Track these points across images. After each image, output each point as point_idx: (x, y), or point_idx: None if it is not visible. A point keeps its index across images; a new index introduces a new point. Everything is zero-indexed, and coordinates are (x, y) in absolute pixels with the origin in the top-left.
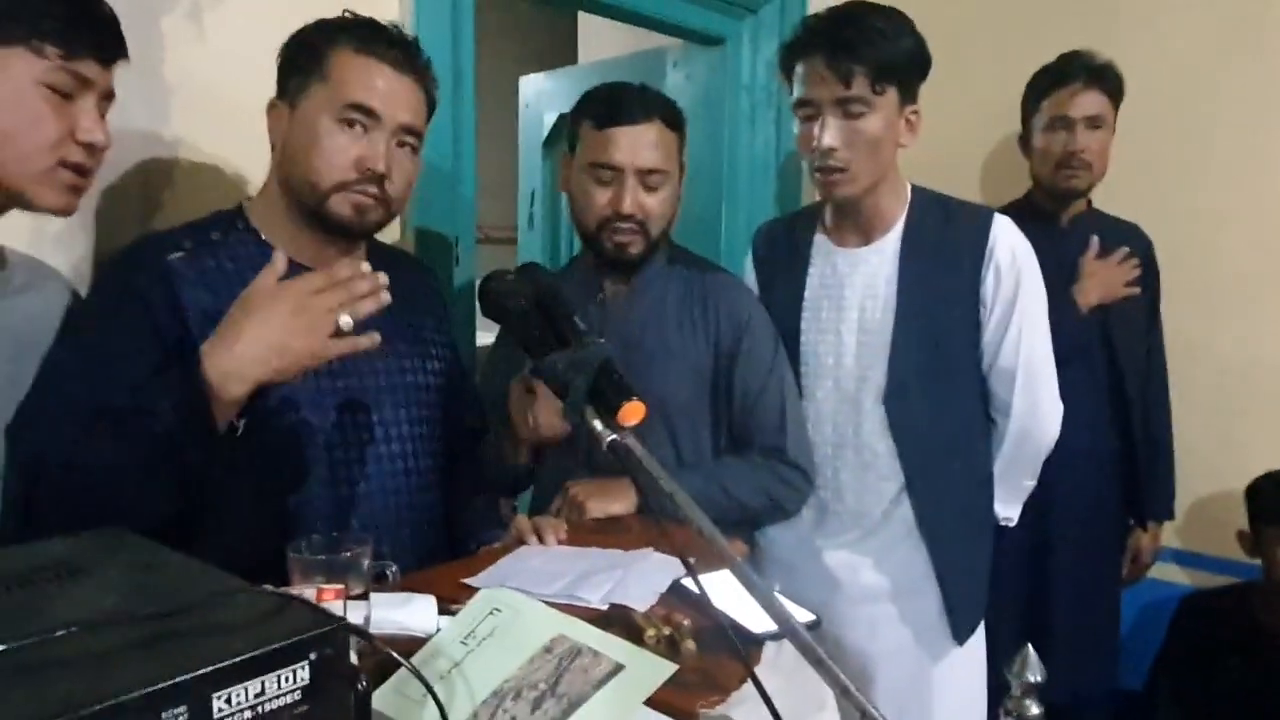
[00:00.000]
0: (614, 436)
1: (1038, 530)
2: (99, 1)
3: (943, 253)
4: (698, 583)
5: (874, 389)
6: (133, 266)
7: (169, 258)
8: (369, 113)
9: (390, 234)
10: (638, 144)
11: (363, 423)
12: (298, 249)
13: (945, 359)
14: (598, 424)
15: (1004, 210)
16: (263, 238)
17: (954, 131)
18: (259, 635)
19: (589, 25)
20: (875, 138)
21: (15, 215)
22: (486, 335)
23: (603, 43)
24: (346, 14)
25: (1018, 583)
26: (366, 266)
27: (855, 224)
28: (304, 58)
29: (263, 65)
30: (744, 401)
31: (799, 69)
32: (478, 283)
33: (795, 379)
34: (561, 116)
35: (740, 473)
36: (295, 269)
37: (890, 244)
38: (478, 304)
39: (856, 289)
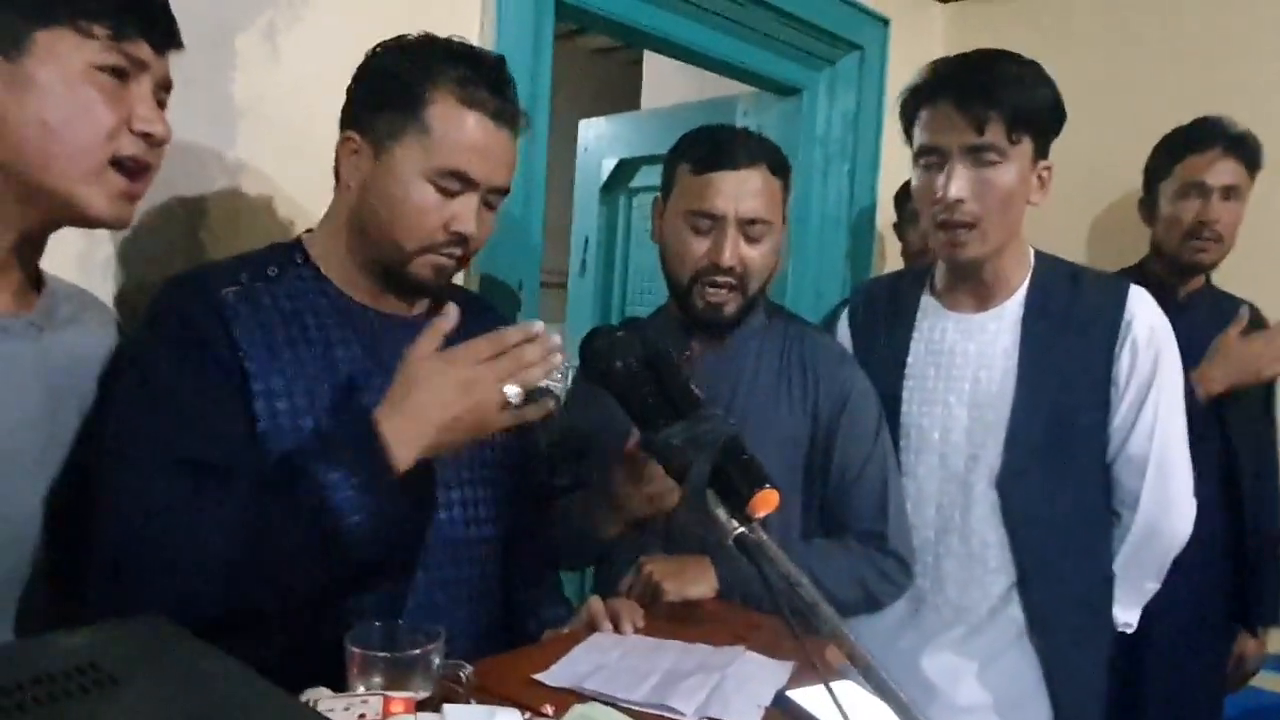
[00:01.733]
0: (741, 529)
1: (1131, 639)
2: None
3: (1071, 324)
4: (840, 707)
5: (987, 470)
6: (185, 302)
7: (222, 292)
8: (467, 180)
9: (456, 276)
10: (740, 191)
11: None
12: (357, 289)
13: (1069, 442)
14: (722, 513)
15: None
16: (322, 273)
17: (1058, 191)
18: None
19: (654, 70)
20: (1008, 191)
21: (65, 239)
22: None
23: (668, 88)
24: (434, 37)
25: (1110, 684)
26: (539, 326)
27: (972, 287)
28: (397, 95)
29: (337, 92)
30: (841, 480)
31: (924, 114)
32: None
33: (894, 453)
34: (621, 162)
35: (833, 560)
36: (355, 307)
37: (1011, 311)
38: (578, 363)
39: (970, 357)
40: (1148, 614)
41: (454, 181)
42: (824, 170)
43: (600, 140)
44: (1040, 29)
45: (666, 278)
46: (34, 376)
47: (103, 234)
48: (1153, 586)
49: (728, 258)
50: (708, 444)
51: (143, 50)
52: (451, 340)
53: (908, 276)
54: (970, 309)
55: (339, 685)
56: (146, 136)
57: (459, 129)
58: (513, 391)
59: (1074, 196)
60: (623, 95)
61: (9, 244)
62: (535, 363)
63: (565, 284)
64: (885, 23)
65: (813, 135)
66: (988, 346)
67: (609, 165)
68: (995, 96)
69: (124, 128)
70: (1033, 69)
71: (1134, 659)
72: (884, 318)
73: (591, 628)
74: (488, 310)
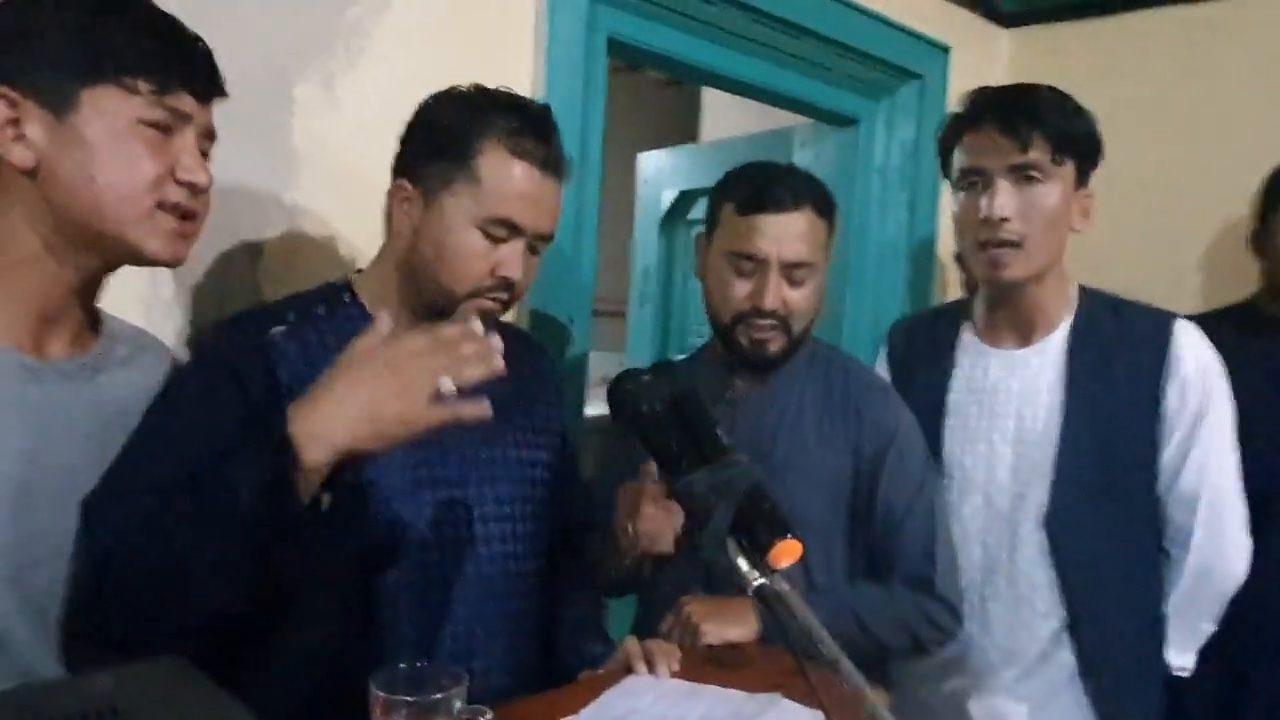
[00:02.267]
0: (762, 580)
1: (1231, 686)
2: (190, 35)
3: (1117, 359)
4: None
5: (1033, 510)
6: (231, 341)
7: (270, 332)
8: (514, 228)
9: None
10: (785, 234)
11: (460, 518)
12: (403, 328)
13: (1117, 479)
14: (742, 562)
15: (1223, 314)
16: (369, 312)
17: (1168, 224)
18: None
19: (713, 102)
20: (1052, 211)
21: (128, 281)
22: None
23: (727, 120)
24: (483, 88)
25: None
26: (477, 326)
27: (1013, 321)
28: (448, 146)
29: (393, 136)
30: (887, 522)
31: (966, 140)
32: (580, 367)
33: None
34: (681, 194)
35: (879, 604)
36: None
37: (1054, 346)
38: (607, 406)
39: (1013, 395)
40: (1247, 672)
41: (501, 229)
42: (882, 200)
43: (660, 172)
44: (1111, 53)
45: (709, 316)
46: (87, 418)
47: (165, 275)
48: (1208, 628)
49: (770, 301)
50: (731, 490)
51: (185, 103)
52: (500, 378)
53: (946, 312)
54: (1012, 345)
55: None
56: (190, 185)
57: (508, 179)
58: (446, 384)
59: (1162, 225)
60: (684, 126)
61: (67, 289)
62: (471, 359)
63: (625, 313)
64: (945, 51)
65: (871, 165)
66: (1031, 383)
67: (669, 197)
68: (1038, 118)
69: (169, 177)
70: (1071, 100)
71: (1236, 704)
72: (923, 355)
73: (627, 669)
74: (536, 348)
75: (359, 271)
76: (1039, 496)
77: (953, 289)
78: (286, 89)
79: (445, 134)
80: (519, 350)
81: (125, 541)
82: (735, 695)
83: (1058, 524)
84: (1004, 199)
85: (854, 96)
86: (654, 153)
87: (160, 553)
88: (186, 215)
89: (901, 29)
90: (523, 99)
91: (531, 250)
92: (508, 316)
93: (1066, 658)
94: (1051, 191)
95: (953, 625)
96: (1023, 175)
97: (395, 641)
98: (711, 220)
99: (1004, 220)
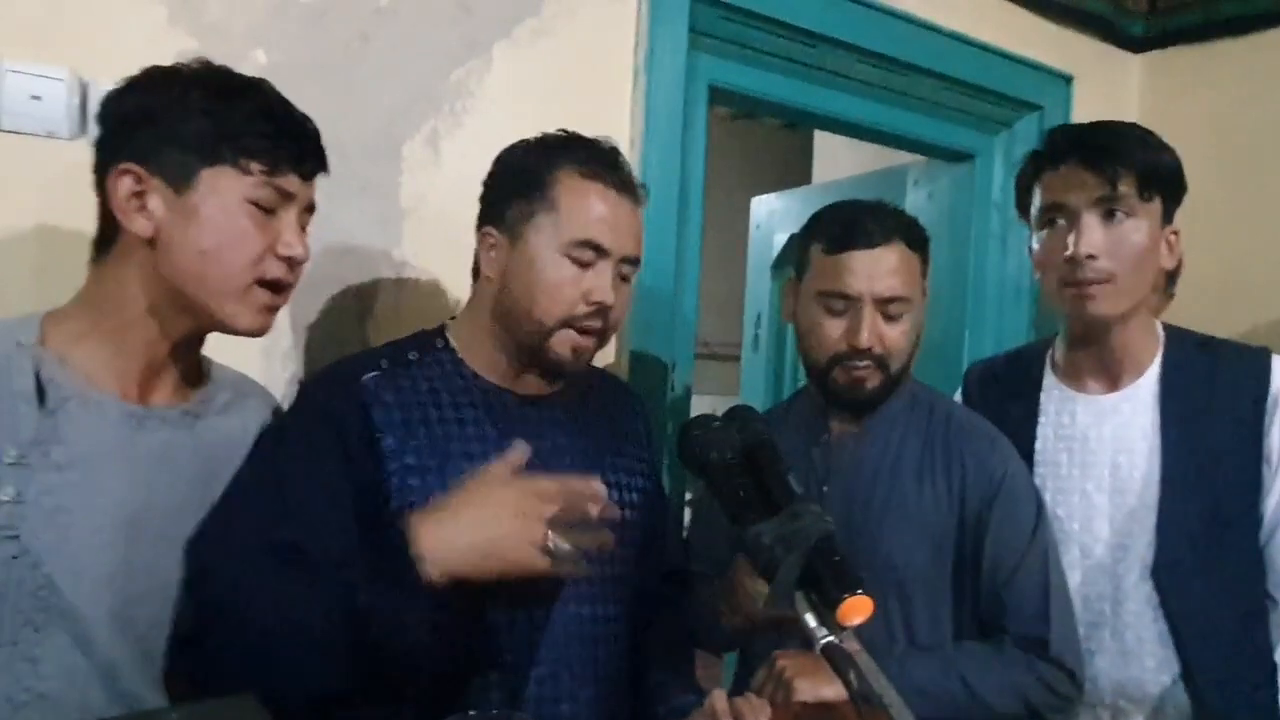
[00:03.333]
0: (829, 638)
1: None
2: (299, 118)
3: (1213, 400)
4: None
5: (1137, 561)
6: (328, 388)
7: (363, 379)
8: (599, 249)
9: (605, 356)
10: (876, 269)
11: None
12: (494, 372)
13: (1224, 525)
14: (810, 618)
15: None
16: (459, 357)
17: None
18: None
19: (825, 143)
20: (1141, 248)
21: None
22: None
23: (839, 161)
24: (549, 133)
25: None
26: (601, 490)
27: (1099, 365)
28: (524, 184)
29: None
30: (995, 576)
31: (1046, 178)
32: (682, 411)
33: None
34: (792, 237)
35: (988, 665)
36: (491, 388)
37: (1145, 390)
38: (677, 453)
39: (1105, 442)
40: None
41: (587, 251)
42: (1002, 236)
43: (771, 216)
44: (1255, 74)
45: (803, 360)
46: (190, 462)
47: (283, 326)
48: None
49: (865, 339)
50: (799, 542)
51: (291, 183)
52: (587, 419)
53: (1025, 355)
54: (1099, 389)
55: None
56: (288, 259)
57: (584, 201)
58: (562, 546)
59: None
60: (799, 169)
61: (170, 344)
62: (588, 518)
63: (739, 356)
64: (1068, 80)
65: (988, 201)
66: (1123, 429)
67: (780, 241)
68: (1124, 155)
69: (270, 252)
70: (1155, 136)
71: None
72: (1003, 400)
73: None
74: (625, 391)
75: (453, 318)
76: (1142, 547)
77: None
78: (395, 148)
79: (520, 174)
80: (607, 393)
81: (238, 604)
82: None
83: (1166, 575)
84: (1091, 235)
85: (969, 131)
86: (765, 197)
87: (273, 624)
88: (280, 287)
89: (1019, 60)
90: (589, 138)
91: (622, 278)
92: (607, 362)
93: (1179, 712)
94: (1139, 228)
95: (1072, 691)
96: (1109, 211)
97: (481, 682)
98: (800, 263)
99: (1091, 258)
